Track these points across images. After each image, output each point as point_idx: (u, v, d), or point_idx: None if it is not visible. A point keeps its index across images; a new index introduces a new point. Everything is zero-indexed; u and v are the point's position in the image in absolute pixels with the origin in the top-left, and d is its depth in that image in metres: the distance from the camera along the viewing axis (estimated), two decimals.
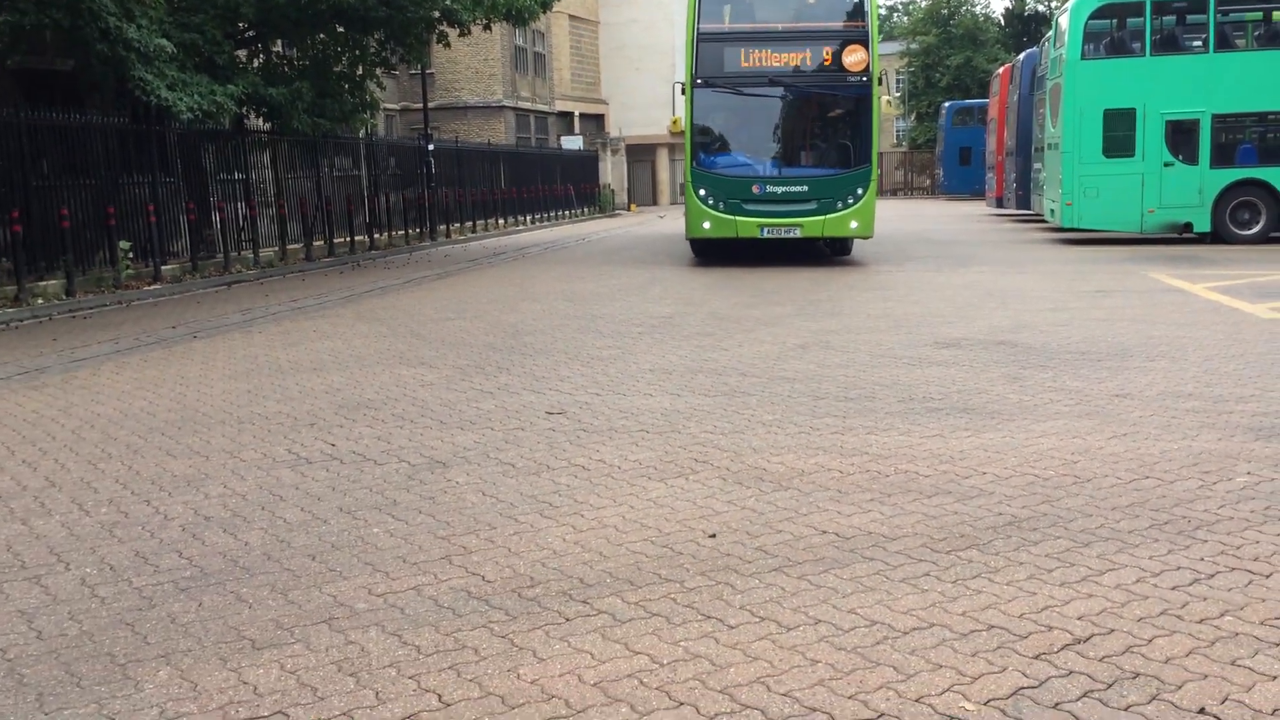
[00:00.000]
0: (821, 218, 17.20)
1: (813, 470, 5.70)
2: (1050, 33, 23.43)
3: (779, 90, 17.81)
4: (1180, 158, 19.75)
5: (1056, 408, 7.04)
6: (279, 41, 22.18)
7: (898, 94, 71.91)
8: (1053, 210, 21.78)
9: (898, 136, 72.81)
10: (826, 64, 17.45)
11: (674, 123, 19.19)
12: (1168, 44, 20.22)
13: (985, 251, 20.16)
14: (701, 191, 17.60)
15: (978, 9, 65.37)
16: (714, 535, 4.73)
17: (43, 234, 15.02)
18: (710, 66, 17.65)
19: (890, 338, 10.11)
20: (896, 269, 17.05)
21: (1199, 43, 20.05)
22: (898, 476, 5.56)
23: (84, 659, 3.67)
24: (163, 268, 17.02)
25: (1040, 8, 70.34)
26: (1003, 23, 64.94)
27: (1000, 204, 32.64)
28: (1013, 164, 30.12)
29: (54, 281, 14.87)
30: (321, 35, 21.33)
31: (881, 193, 59.78)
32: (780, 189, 17.44)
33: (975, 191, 41.64)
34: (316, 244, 21.95)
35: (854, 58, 17.21)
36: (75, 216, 15.47)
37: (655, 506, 5.16)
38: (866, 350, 9.44)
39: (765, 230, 17.34)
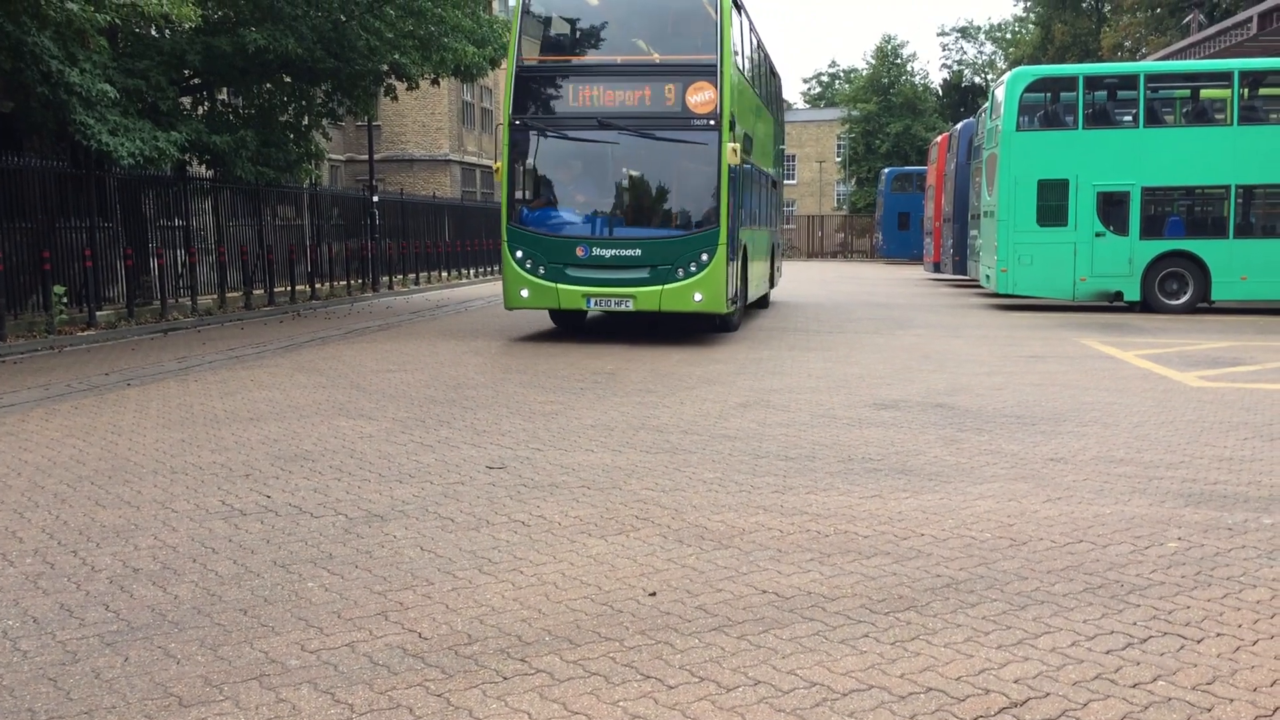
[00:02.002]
0: (658, 288, 14.54)
1: (753, 529, 5.71)
2: (987, 104, 24.03)
3: (611, 135, 14.94)
4: (1111, 228, 20.28)
5: (993, 470, 7.13)
6: (224, 89, 22.09)
7: (838, 159, 73.23)
8: (988, 276, 22.21)
9: (838, 200, 74.03)
10: (669, 104, 14.76)
11: (496, 170, 15.58)
12: (1100, 118, 20.84)
13: (923, 315, 20.47)
14: (519, 253, 15.04)
15: (917, 79, 67.08)
16: (654, 593, 4.71)
17: None
18: (531, 105, 15.20)
19: (830, 398, 10.19)
20: (837, 330, 17.24)
21: (1129, 118, 20.72)
22: (837, 536, 5.58)
23: (3, 715, 3.55)
24: (98, 313, 16.74)
25: (977, 80, 72.28)
26: (940, 93, 66.59)
27: (938, 269, 33.23)
28: (950, 230, 30.75)
29: None
30: (268, 85, 21.29)
31: (822, 254, 61.03)
32: (609, 252, 14.73)
33: (914, 256, 42.39)
34: (256, 292, 21.74)
35: (700, 97, 14.55)
36: (9, 260, 15.19)
37: (595, 563, 5.13)
38: (807, 410, 9.51)
39: (592, 301, 14.82)
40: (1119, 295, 20.57)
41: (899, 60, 66.14)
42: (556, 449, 7.81)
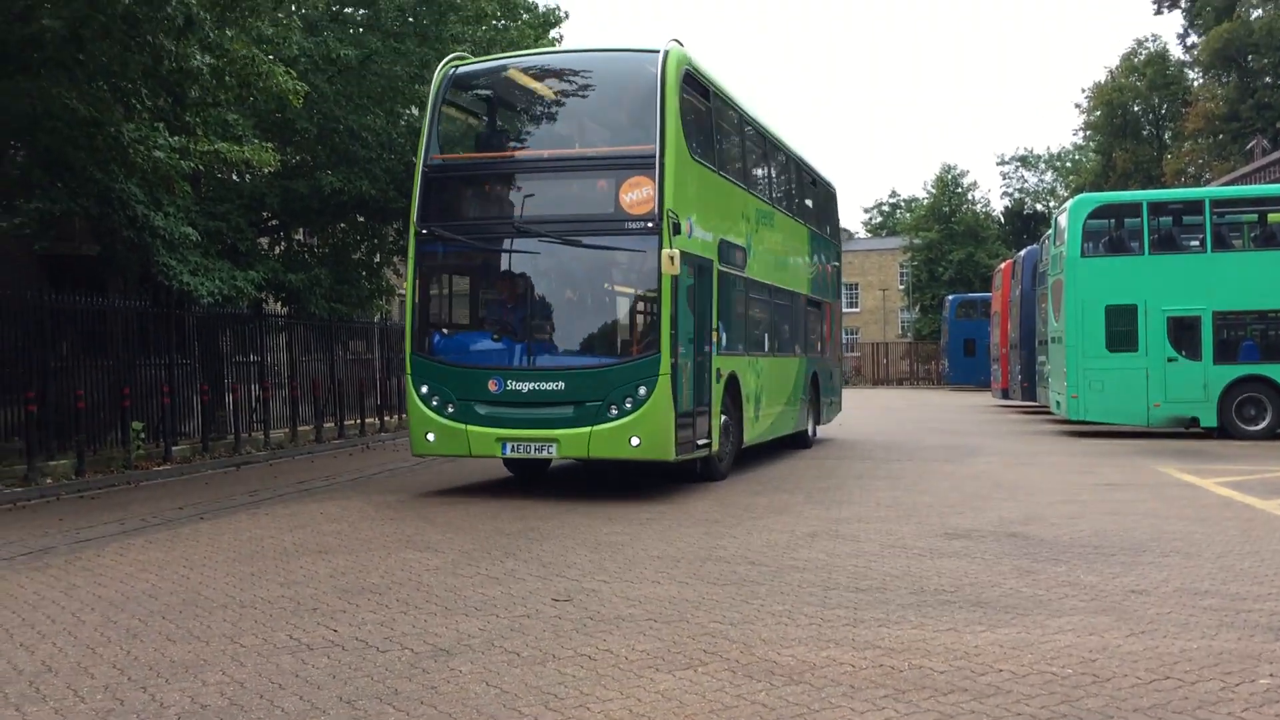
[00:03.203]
0: (586, 430, 11.80)
1: (824, 664, 5.58)
2: (1050, 230, 24.07)
3: (532, 243, 12.55)
4: (1183, 353, 19.98)
5: (1071, 603, 6.93)
6: (300, 229, 22.86)
7: (901, 286, 73.39)
8: (1058, 403, 21.91)
9: (902, 327, 73.95)
10: (602, 205, 12.30)
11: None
12: (1165, 243, 20.72)
13: (993, 442, 20.18)
14: (424, 388, 12.50)
15: (978, 207, 67.48)
16: None
17: (57, 414, 15.14)
18: (441, 209, 12.88)
19: (900, 527, 10.03)
20: (905, 458, 17.04)
21: (1196, 242, 20.57)
22: (911, 672, 5.43)
23: None
24: (173, 448, 17.08)
25: (1039, 207, 72.50)
26: (1002, 220, 66.86)
27: (1006, 395, 32.86)
28: (1017, 356, 30.48)
29: (64, 461, 14.90)
30: (342, 224, 22.00)
31: (887, 382, 60.69)
32: (527, 386, 12.10)
33: (980, 382, 41.98)
34: (327, 425, 22.07)
35: (635, 195, 11.97)
36: (90, 397, 15.63)
37: (663, 699, 5.04)
38: (877, 540, 9.35)
39: (508, 447, 12.12)
40: (1195, 421, 20.14)
41: (959, 189, 66.67)
42: (623, 581, 7.74)
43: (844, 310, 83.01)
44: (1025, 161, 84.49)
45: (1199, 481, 13.47)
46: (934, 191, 67.69)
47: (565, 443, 11.97)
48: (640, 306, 12.52)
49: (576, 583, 7.70)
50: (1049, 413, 25.01)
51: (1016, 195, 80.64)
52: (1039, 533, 9.66)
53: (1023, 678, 5.32)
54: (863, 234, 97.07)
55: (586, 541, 9.45)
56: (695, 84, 13.31)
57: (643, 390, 11.77)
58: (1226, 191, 24.81)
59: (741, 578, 7.81)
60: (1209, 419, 20.00)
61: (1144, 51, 62.92)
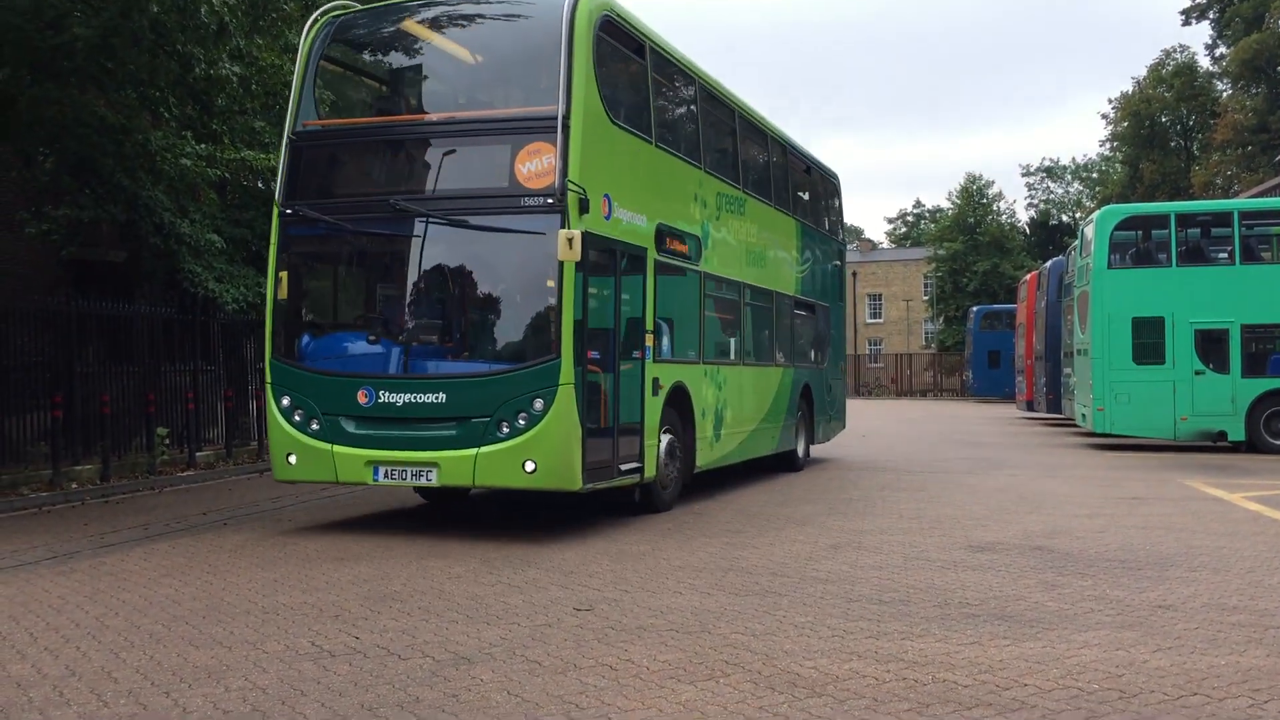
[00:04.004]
0: (471, 452, 9.68)
1: (847, 676, 5.54)
2: (1076, 242, 23.92)
3: (414, 226, 10.35)
4: (1211, 366, 19.81)
5: (1097, 617, 6.86)
6: None
7: (925, 297, 73.13)
8: (1084, 415, 21.75)
9: (926, 338, 73.68)
10: (497, 178, 10.12)
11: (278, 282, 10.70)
12: (1193, 255, 20.57)
13: (1017, 454, 20.05)
14: (284, 400, 10.44)
15: (1003, 218, 67.21)
16: None
17: (83, 419, 15.25)
18: (310, 185, 10.80)
19: (923, 540, 9.96)
20: (927, 470, 16.94)
21: (1224, 254, 20.41)
22: (935, 685, 5.38)
23: None
24: (197, 454, 17.16)
25: (1064, 218, 72.19)
26: (1028, 231, 66.61)
27: (1031, 407, 32.69)
28: (1042, 368, 30.32)
29: (89, 466, 14.99)
30: None
31: (911, 393, 60.41)
32: (402, 398, 9.91)
33: (1005, 394, 41.77)
34: None
35: (534, 165, 9.83)
36: (115, 403, 15.72)
37: (685, 710, 5.01)
38: (900, 552, 9.29)
39: (380, 472, 10.00)
40: (1222, 435, 19.95)
41: (984, 200, 66.44)
42: (644, 591, 7.71)
43: (866, 321, 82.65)
44: (1051, 172, 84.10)
45: (1227, 496, 13.33)
46: (959, 202, 67.48)
47: (446, 468, 9.79)
48: (539, 302, 9.95)
49: (598, 592, 7.68)
50: (1074, 425, 24.84)
51: (1042, 206, 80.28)
52: (1064, 546, 9.58)
53: (1048, 693, 5.26)
54: (886, 244, 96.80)
55: (608, 551, 9.43)
56: (621, 35, 11.06)
57: (539, 404, 9.53)
58: (1255, 203, 24.59)
59: (764, 589, 7.77)
60: (1237, 433, 19.81)
61: (1172, 62, 62.60)
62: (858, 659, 5.87)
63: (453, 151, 10.74)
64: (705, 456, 12.91)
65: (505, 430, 9.63)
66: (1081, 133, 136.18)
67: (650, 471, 11.16)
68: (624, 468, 10.64)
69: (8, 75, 13.06)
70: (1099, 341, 20.47)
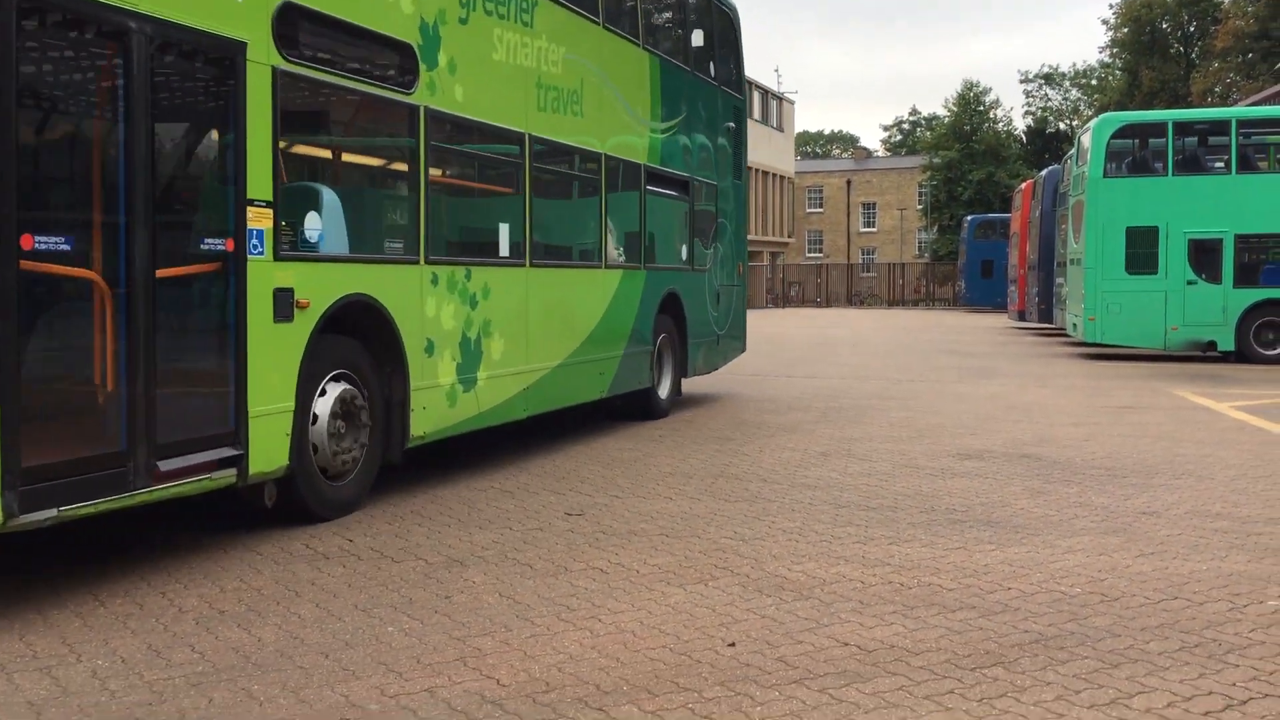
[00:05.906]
0: None
1: (834, 580, 5.62)
2: (1072, 150, 23.72)
3: None
4: (1203, 276, 19.79)
5: (1082, 523, 6.95)
6: None
7: (919, 206, 72.75)
8: (1075, 325, 21.79)
9: (919, 248, 73.48)
10: None
11: None
12: (1190, 164, 20.40)
13: (1007, 364, 20.13)
14: None
15: (1000, 126, 66.49)
16: (733, 644, 4.65)
17: None
18: None
19: (912, 447, 10.04)
20: (918, 379, 17.02)
21: (1221, 164, 20.26)
22: (921, 589, 5.47)
23: None
24: None
25: (1062, 125, 71.45)
26: (1024, 140, 65.98)
27: (1022, 317, 32.71)
28: (1035, 278, 30.28)
29: None
30: None
31: (903, 302, 60.49)
32: None
33: (997, 304, 41.78)
34: None
35: None
36: None
37: (674, 612, 5.09)
38: (888, 459, 9.37)
39: None
40: (1212, 345, 20.02)
41: (981, 107, 65.66)
42: (634, 496, 7.79)
43: (860, 230, 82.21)
44: (1049, 79, 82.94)
45: (1214, 405, 13.44)
46: (955, 109, 66.65)
47: None
48: None
49: (589, 497, 7.75)
50: (1065, 335, 24.91)
51: (1039, 114, 79.39)
52: (1051, 454, 9.68)
53: (1031, 596, 5.35)
54: (881, 152, 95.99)
55: (598, 457, 9.50)
56: None
57: None
58: (1253, 112, 24.39)
59: (753, 495, 7.85)
60: (1226, 342, 19.88)
61: None
62: (845, 563, 5.96)
63: None
64: (438, 416, 8.09)
65: None
66: (1082, 39, 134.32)
67: (280, 463, 6.48)
68: (204, 460, 5.95)
69: None
70: (1092, 251, 20.40)
